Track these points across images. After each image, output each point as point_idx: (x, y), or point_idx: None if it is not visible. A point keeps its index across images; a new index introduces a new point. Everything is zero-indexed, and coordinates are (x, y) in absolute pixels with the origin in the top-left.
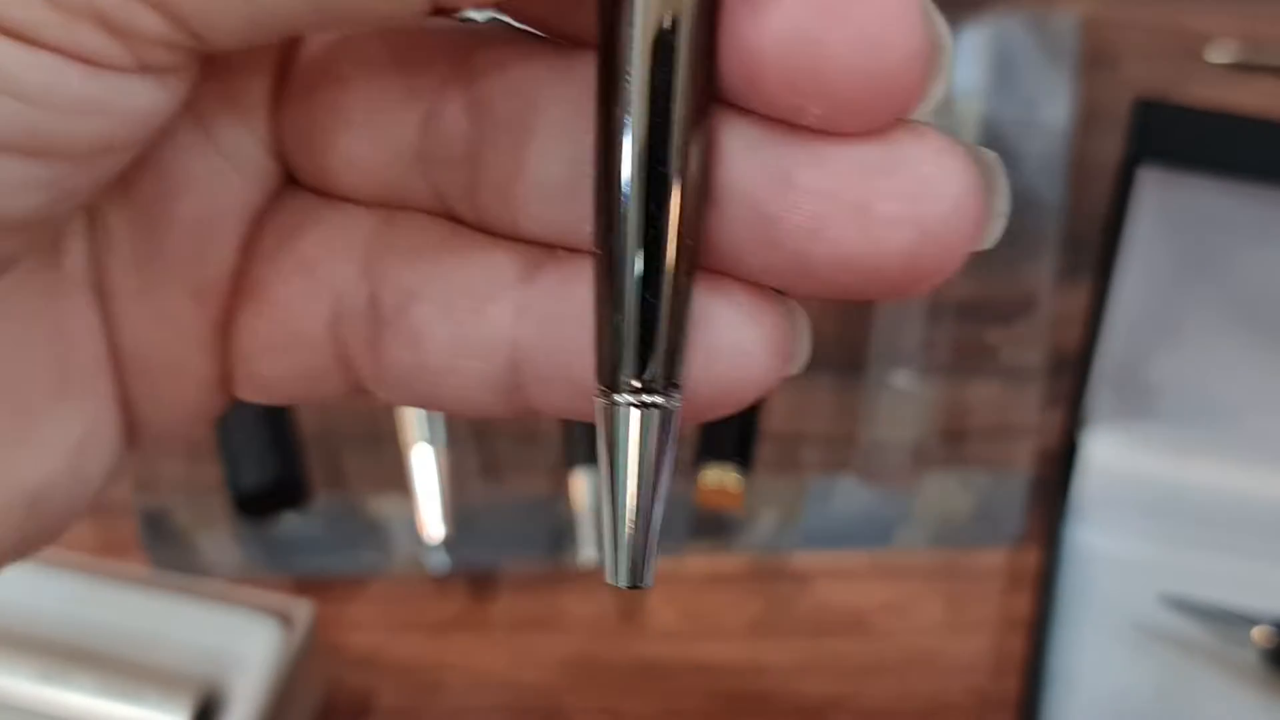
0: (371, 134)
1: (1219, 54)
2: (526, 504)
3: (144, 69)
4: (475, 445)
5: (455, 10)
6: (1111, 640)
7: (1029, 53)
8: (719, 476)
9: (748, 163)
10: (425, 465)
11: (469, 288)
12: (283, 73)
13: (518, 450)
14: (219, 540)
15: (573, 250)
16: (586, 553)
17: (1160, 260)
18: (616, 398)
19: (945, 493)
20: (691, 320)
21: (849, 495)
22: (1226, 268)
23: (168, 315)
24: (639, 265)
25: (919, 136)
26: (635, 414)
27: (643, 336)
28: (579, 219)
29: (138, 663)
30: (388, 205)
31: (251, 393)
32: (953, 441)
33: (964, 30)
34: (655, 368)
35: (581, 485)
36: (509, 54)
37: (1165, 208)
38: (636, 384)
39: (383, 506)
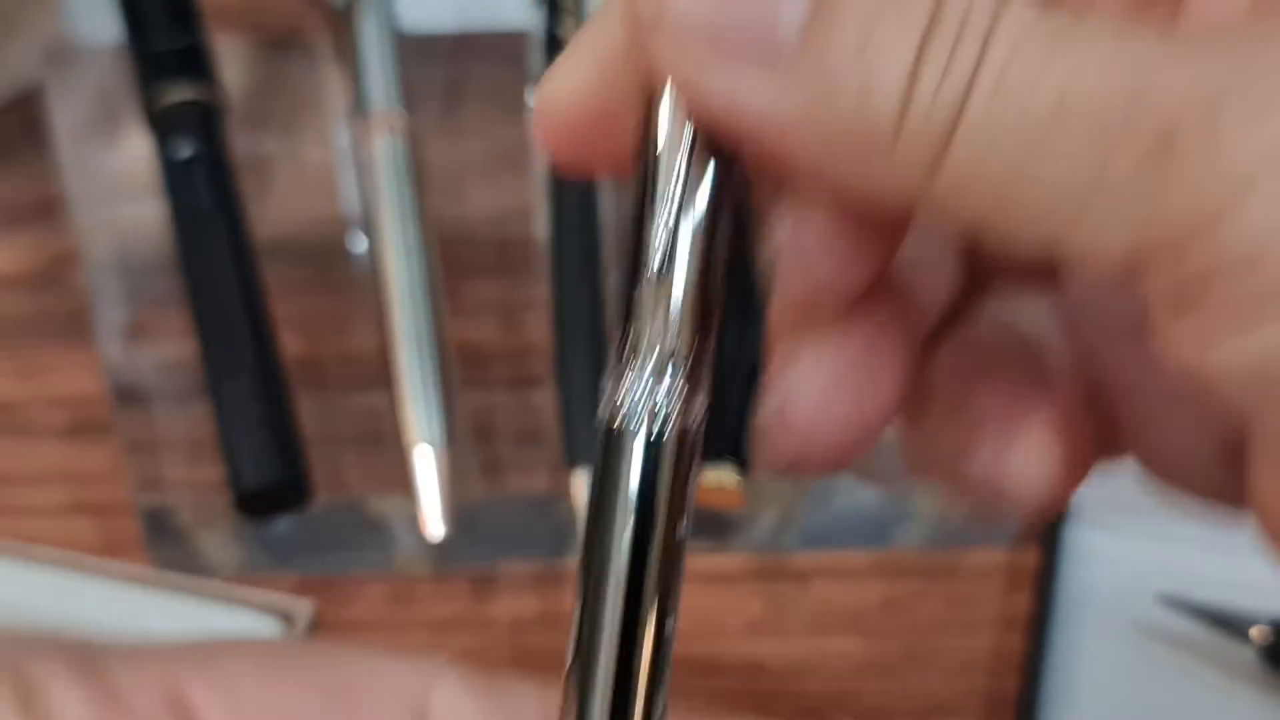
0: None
1: None
2: (526, 504)
3: None
4: (475, 445)
5: None
6: (1111, 640)
7: None
8: (719, 476)
9: None
10: (425, 465)
11: None
12: None
13: (518, 450)
14: (220, 540)
15: None
16: None
17: None
18: None
19: (945, 492)
20: None
21: (849, 495)
22: None
23: None
24: None
25: None
26: None
27: None
28: None
29: None
30: None
31: None
32: None
33: None
34: None
35: (581, 485)
36: None
37: None
38: None
39: (383, 506)
